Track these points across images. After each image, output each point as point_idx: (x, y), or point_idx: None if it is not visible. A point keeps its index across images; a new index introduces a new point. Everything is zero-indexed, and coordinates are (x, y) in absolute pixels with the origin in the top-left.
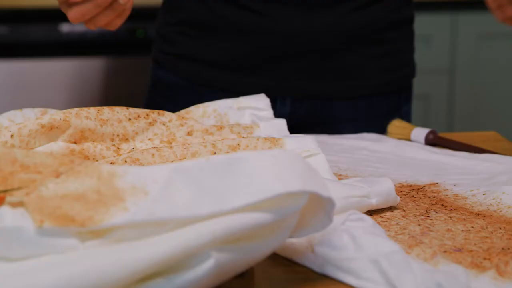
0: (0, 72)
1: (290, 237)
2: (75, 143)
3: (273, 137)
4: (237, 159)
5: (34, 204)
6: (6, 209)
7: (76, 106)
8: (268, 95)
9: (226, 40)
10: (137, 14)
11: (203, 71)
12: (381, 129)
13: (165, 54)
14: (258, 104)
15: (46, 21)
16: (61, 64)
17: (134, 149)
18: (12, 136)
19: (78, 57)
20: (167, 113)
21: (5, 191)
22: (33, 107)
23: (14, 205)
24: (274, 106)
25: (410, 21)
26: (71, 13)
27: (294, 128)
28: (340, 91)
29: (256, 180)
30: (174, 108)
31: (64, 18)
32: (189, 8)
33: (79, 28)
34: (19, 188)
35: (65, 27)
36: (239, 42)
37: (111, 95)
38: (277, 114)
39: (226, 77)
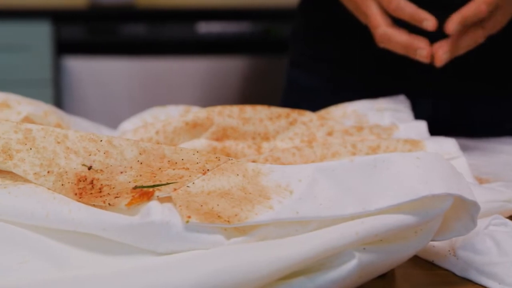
0: (137, 69)
1: (432, 240)
2: (217, 140)
3: (413, 139)
4: (381, 160)
5: (181, 200)
6: (154, 204)
7: (211, 104)
8: (408, 97)
9: (366, 42)
10: (272, 14)
11: (342, 74)
12: None
13: (302, 56)
14: (398, 106)
15: (183, 20)
16: (197, 63)
17: (275, 148)
18: (157, 132)
19: (213, 56)
20: (307, 112)
21: (154, 186)
22: (171, 104)
23: (162, 200)
24: (414, 108)
25: None
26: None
27: (434, 130)
28: (482, 91)
29: (400, 181)
30: (310, 110)
31: (200, 17)
32: (329, 10)
33: (215, 28)
34: (167, 184)
35: (202, 27)
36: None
37: (245, 93)
38: (417, 116)
39: (365, 80)
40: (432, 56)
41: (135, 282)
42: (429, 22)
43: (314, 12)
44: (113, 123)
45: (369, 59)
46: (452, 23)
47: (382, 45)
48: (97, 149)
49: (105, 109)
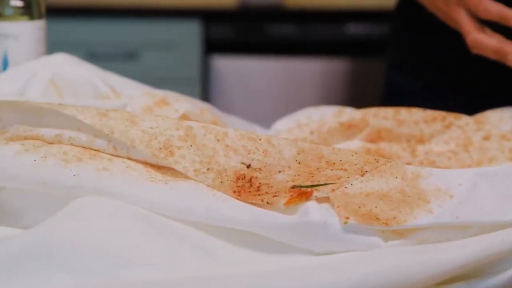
0: (284, 70)
1: None
2: (371, 142)
3: None
4: None
5: (339, 201)
6: (312, 204)
7: (352, 105)
8: None
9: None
10: None
11: (441, 75)
12: None
13: (401, 57)
14: None
15: (331, 21)
16: (343, 64)
17: (430, 151)
18: (311, 132)
19: (360, 57)
20: (463, 116)
21: (312, 186)
22: (313, 105)
23: (320, 200)
24: None
25: None
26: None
27: None
28: None
29: None
30: None
31: (349, 18)
32: (427, 9)
33: (363, 29)
34: (325, 184)
35: (349, 28)
36: None
37: None
38: None
39: (467, 81)
40: None
41: (292, 281)
42: None
43: (412, 12)
44: (257, 123)
45: (469, 60)
46: None
47: (475, 51)
48: (256, 148)
49: (250, 109)
